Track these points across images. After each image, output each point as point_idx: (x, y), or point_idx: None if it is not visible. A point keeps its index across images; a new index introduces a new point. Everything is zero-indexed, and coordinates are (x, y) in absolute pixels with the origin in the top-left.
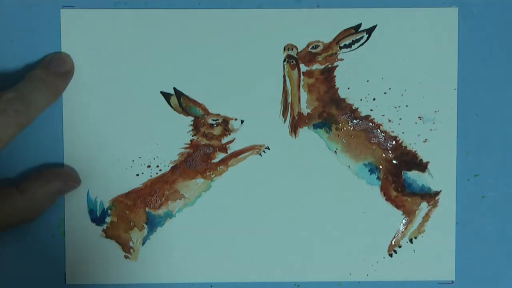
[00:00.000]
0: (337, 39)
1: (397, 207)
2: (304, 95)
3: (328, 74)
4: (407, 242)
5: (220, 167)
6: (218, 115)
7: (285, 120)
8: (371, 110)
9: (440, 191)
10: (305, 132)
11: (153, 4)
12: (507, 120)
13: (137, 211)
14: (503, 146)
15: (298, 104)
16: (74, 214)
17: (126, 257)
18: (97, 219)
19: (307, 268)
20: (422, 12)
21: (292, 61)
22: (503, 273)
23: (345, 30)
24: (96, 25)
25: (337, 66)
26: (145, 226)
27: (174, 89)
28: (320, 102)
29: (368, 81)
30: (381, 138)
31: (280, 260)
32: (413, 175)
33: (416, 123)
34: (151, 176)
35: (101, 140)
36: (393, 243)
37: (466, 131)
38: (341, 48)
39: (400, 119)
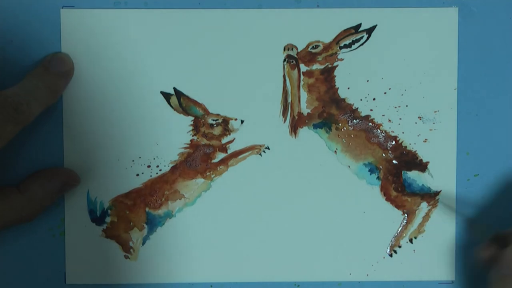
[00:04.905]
0: (337, 39)
1: (397, 207)
2: (304, 95)
3: (328, 74)
4: (407, 242)
5: (220, 167)
6: (218, 115)
7: (285, 120)
8: (371, 110)
9: (440, 191)
10: (305, 132)
11: (153, 4)
12: (507, 120)
13: (137, 211)
14: (503, 146)
15: (298, 104)
16: (74, 214)
17: (126, 257)
18: (97, 219)
19: (307, 268)
20: (422, 12)
21: (292, 61)
22: None
23: (345, 30)
24: (96, 25)
25: (337, 66)
26: (145, 226)
27: (174, 89)
28: (320, 102)
29: (368, 81)
30: (381, 138)
31: (280, 260)
32: (413, 175)
33: (416, 123)
34: (151, 176)
35: (101, 140)
36: (393, 243)
37: (466, 131)
38: (341, 48)
39: (400, 119)
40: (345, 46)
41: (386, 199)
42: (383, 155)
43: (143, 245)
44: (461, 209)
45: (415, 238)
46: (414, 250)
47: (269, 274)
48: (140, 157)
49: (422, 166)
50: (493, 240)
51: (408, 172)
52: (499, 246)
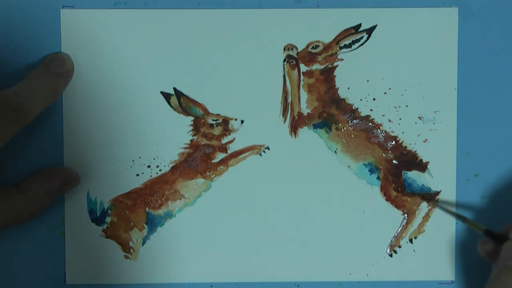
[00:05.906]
0: (337, 39)
1: (397, 207)
2: (304, 95)
3: (328, 74)
4: (407, 242)
5: (220, 167)
6: (218, 115)
7: (285, 120)
8: (371, 110)
9: (440, 191)
10: (305, 132)
11: (153, 4)
12: (507, 120)
13: (137, 211)
14: (503, 146)
15: (298, 104)
16: (74, 214)
17: (126, 257)
18: (97, 219)
19: (307, 268)
20: (422, 12)
21: (292, 61)
22: None
23: (345, 30)
24: (96, 25)
25: (337, 66)
26: (145, 226)
27: (174, 89)
28: (320, 102)
29: (368, 81)
30: (381, 138)
31: (280, 260)
32: (413, 175)
33: (416, 123)
34: (151, 176)
35: (101, 140)
36: (393, 243)
37: (466, 131)
38: (341, 48)
39: (400, 119)
40: (345, 46)
41: (386, 199)
42: (383, 155)
43: (143, 245)
44: (460, 210)
45: (415, 238)
46: (414, 250)
47: (269, 274)
48: (140, 157)
49: (422, 166)
50: (489, 235)
51: (408, 172)
52: (496, 242)
